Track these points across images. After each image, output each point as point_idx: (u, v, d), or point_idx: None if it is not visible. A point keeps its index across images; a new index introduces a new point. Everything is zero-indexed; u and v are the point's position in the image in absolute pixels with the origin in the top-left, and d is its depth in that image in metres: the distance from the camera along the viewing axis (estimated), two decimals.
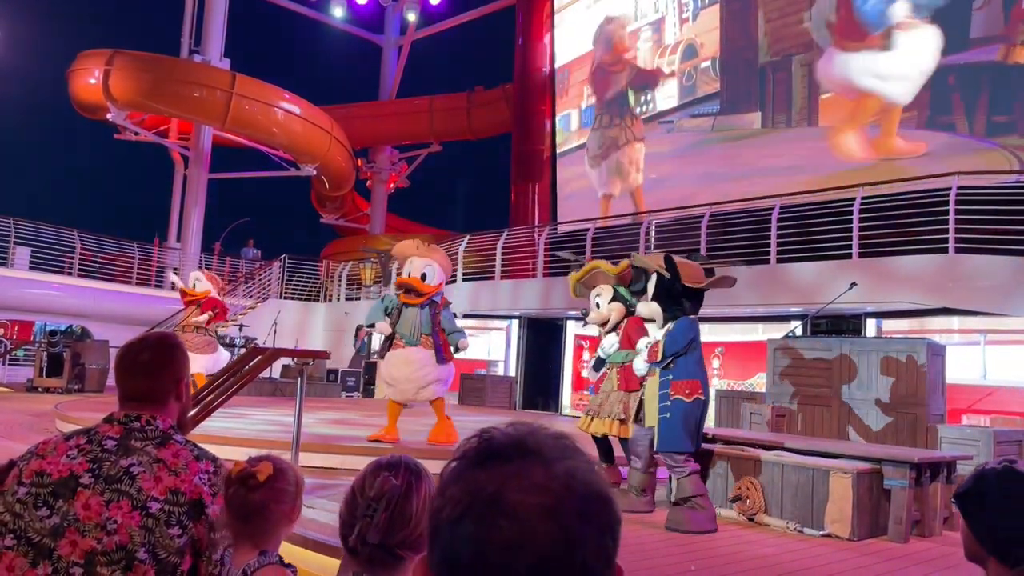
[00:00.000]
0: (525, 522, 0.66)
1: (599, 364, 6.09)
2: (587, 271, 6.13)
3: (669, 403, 5.02)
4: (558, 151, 19.12)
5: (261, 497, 1.60)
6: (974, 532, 1.37)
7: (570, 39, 19.33)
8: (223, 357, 9.76)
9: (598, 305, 6.02)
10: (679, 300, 5.18)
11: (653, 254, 5.55)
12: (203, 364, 9.37)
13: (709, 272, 5.30)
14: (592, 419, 5.92)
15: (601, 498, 0.70)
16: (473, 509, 0.68)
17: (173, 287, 10.08)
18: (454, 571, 0.68)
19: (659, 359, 5.13)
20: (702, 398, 5.03)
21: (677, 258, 5.26)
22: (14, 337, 16.40)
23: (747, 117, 14.59)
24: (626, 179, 16.92)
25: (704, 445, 5.60)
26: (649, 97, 16.73)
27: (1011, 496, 1.33)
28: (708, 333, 13.16)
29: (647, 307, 5.42)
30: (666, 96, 16.29)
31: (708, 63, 15.41)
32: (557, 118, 19.30)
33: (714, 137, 15.22)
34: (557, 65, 19.58)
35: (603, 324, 6.02)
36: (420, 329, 7.21)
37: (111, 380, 14.06)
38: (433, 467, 1.23)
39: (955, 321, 10.50)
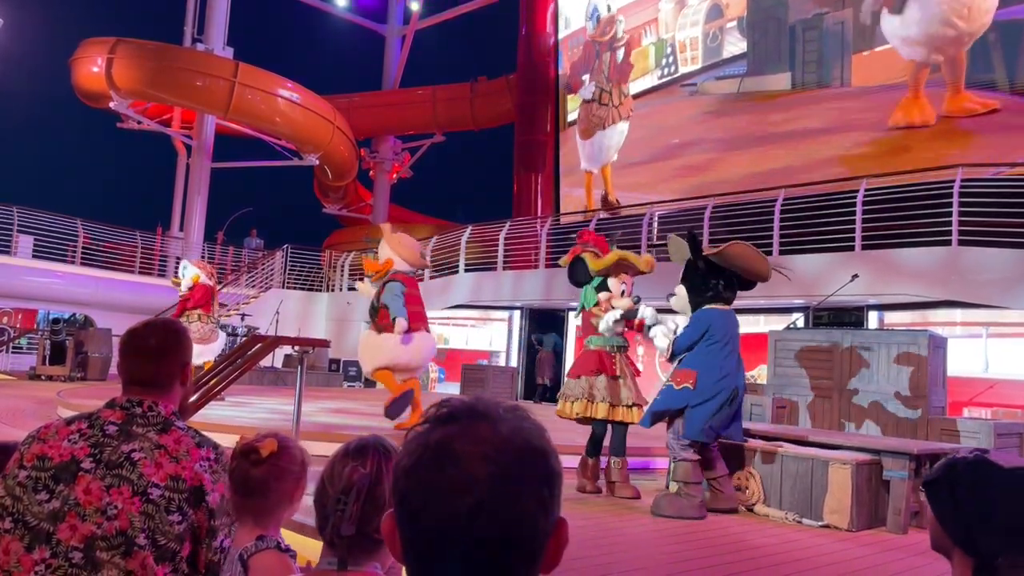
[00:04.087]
0: (467, 467, 0.74)
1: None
2: (615, 260, 5.73)
3: (665, 386, 5.07)
4: (569, 118, 18.77)
5: (262, 473, 1.56)
6: (941, 522, 1.36)
7: (576, 6, 19.04)
8: (219, 344, 9.73)
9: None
10: (706, 281, 5.05)
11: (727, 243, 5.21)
12: (210, 353, 9.43)
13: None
14: (625, 407, 5.54)
15: (539, 451, 0.78)
16: (424, 457, 0.76)
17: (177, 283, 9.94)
18: (409, 518, 0.76)
19: (669, 357, 5.13)
20: (691, 387, 4.90)
21: (741, 244, 5.10)
22: (17, 325, 16.43)
23: (775, 78, 14.14)
24: (601, 159, 16.83)
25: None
26: (671, 59, 16.30)
27: (982, 486, 1.32)
28: None
29: (676, 299, 5.25)
30: (689, 58, 15.85)
31: (734, 23, 14.98)
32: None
33: (741, 99, 14.74)
34: (565, 35, 19.26)
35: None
36: (370, 309, 7.75)
37: (114, 368, 14.08)
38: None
39: (957, 314, 10.49)
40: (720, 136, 14.96)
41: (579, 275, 5.83)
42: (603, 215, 15.99)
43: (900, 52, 12.32)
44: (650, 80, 16.88)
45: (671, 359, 5.19)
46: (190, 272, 9.76)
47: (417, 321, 7.66)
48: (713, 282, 5.06)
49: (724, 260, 5.06)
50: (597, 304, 5.74)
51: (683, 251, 5.31)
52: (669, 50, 16.42)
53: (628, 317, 5.61)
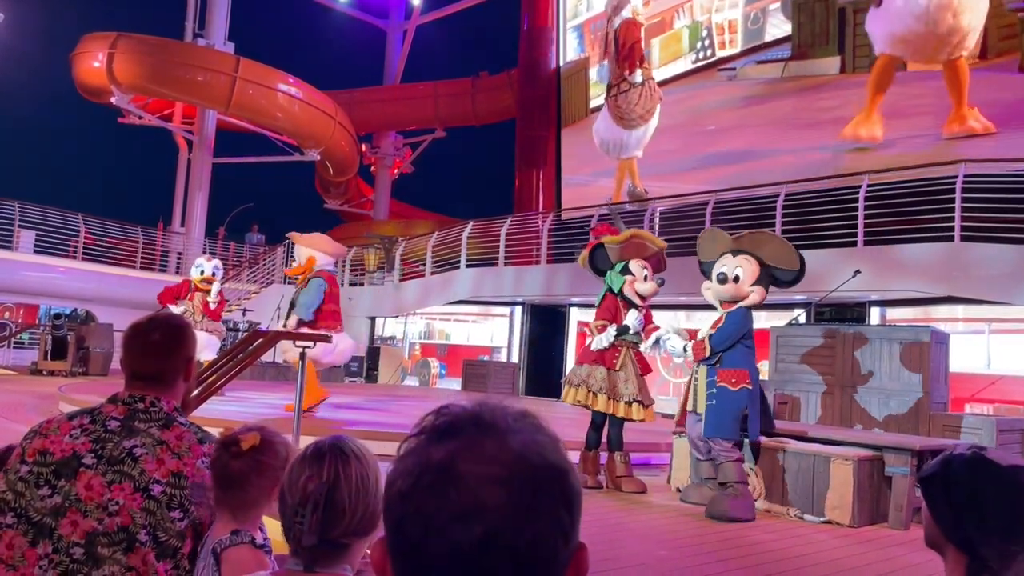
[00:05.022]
0: (475, 492, 0.64)
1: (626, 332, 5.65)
2: (629, 236, 5.79)
3: (715, 390, 4.98)
4: (593, 103, 18.10)
5: (242, 467, 1.52)
6: (936, 518, 1.36)
7: None
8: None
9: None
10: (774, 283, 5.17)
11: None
12: (215, 349, 9.51)
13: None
14: (622, 403, 5.53)
15: (557, 470, 0.68)
16: (423, 480, 0.66)
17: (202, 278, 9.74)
18: (404, 548, 0.66)
19: (707, 355, 5.06)
20: (749, 387, 4.93)
21: (766, 233, 5.19)
22: (19, 320, 16.45)
23: (823, 62, 13.40)
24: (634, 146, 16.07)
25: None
26: (707, 43, 15.51)
27: (978, 484, 1.31)
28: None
29: (710, 291, 5.26)
30: (727, 42, 15.09)
31: (777, 5, 14.22)
32: (594, 70, 18.23)
33: (785, 84, 13.97)
34: (587, 18, 18.74)
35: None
36: (290, 306, 8.11)
37: (115, 363, 14.03)
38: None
39: (960, 310, 10.47)
40: (762, 123, 14.21)
41: (599, 262, 5.83)
42: (629, 207, 15.76)
43: (882, 50, 12.02)
44: (683, 64, 15.94)
45: (707, 359, 5.10)
46: (217, 288, 9.77)
47: (333, 320, 7.88)
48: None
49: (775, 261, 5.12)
50: (621, 291, 5.71)
51: (717, 244, 5.29)
52: (705, 33, 15.58)
53: (621, 334, 5.60)
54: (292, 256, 8.26)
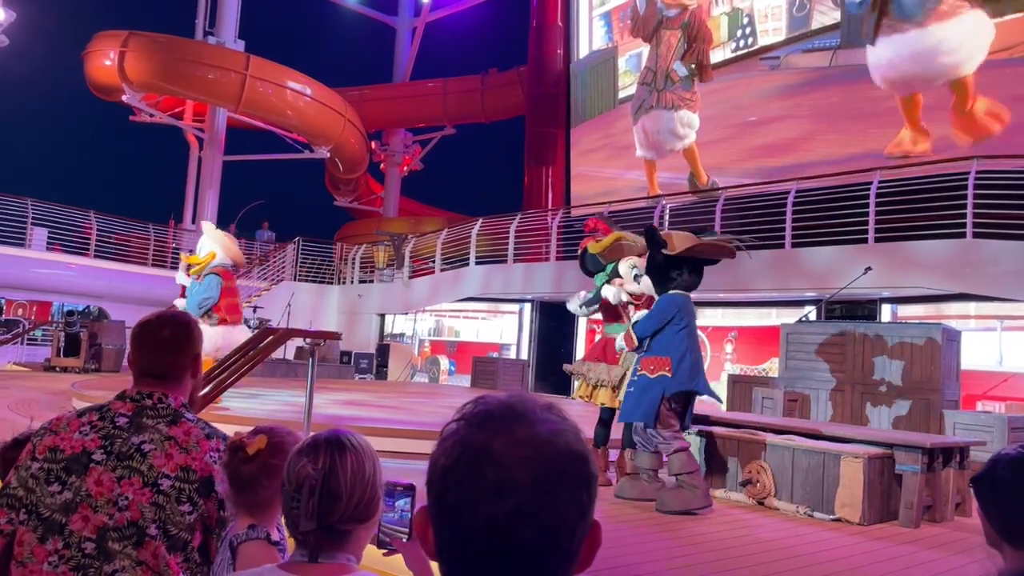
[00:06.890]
0: (507, 470, 0.74)
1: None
2: (612, 241, 5.78)
3: (636, 378, 4.95)
4: (622, 94, 17.62)
5: (251, 470, 1.55)
6: (988, 517, 1.37)
7: None
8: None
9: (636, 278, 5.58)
10: (667, 272, 5.02)
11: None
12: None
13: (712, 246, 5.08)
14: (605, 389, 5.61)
15: (578, 456, 0.79)
16: (464, 459, 0.77)
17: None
18: (446, 516, 0.77)
19: (636, 345, 5.02)
20: (668, 375, 4.80)
21: (675, 232, 5.08)
22: (32, 317, 16.58)
23: None
24: (667, 144, 15.47)
25: (710, 428, 5.60)
26: (748, 31, 14.93)
27: (1022, 482, 1.32)
28: (721, 317, 13.15)
29: (643, 284, 5.30)
30: (770, 29, 14.48)
31: None
32: (623, 59, 17.67)
33: (833, 73, 13.40)
34: (614, 6, 18.25)
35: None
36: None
37: (127, 360, 14.22)
38: None
39: (971, 307, 10.41)
40: (807, 114, 13.73)
41: (589, 264, 5.86)
42: (614, 208, 15.78)
43: (881, 86, 11.92)
44: (722, 53, 15.27)
45: (636, 348, 5.07)
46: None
47: (236, 312, 8.16)
48: (675, 272, 5.01)
49: (688, 253, 5.02)
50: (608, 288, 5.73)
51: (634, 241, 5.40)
52: (746, 20, 15.03)
53: (593, 302, 5.72)
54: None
